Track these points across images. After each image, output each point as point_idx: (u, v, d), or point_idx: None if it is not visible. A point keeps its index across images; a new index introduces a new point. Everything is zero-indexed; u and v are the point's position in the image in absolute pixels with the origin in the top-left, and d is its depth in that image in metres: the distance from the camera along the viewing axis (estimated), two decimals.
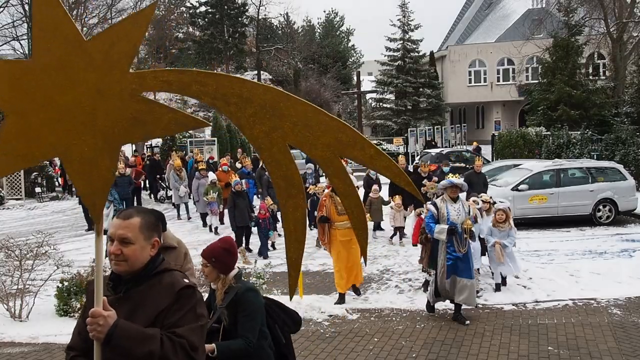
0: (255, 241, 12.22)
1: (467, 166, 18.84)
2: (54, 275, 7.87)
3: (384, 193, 13.39)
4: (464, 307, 7.50)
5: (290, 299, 2.72)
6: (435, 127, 35.51)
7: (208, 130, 33.03)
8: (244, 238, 12.00)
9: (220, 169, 15.72)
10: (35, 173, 22.32)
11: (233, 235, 13.57)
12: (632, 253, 11.08)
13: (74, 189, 21.74)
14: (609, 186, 14.26)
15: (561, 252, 11.30)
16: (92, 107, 2.19)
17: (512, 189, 13.96)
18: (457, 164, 21.24)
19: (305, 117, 2.26)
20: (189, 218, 16.21)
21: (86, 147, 2.22)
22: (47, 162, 23.18)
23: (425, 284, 8.71)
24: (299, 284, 8.39)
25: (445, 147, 32.04)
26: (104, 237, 2.60)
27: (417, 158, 25.23)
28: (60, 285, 7.75)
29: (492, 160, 23.35)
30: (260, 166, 15.78)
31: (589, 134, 22.54)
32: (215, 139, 26.50)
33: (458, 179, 7.69)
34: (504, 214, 8.67)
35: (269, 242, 11.91)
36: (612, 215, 14.17)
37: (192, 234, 14.39)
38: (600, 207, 14.18)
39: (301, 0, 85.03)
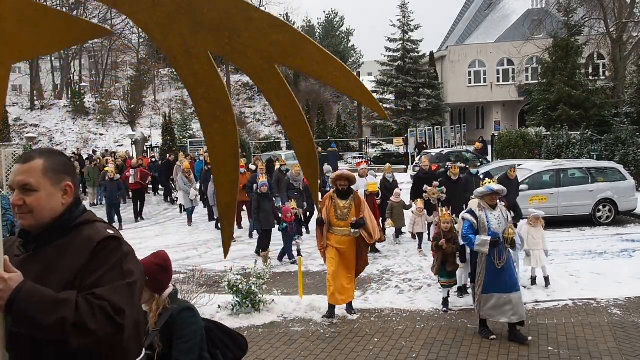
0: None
1: (468, 167, 18.77)
2: None
3: (405, 197, 12.70)
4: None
5: (225, 256, 2.23)
6: (435, 127, 35.53)
7: None
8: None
9: None
10: None
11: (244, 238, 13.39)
12: (632, 253, 11.09)
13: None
14: (608, 186, 14.27)
15: (561, 252, 11.30)
16: None
17: None
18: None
19: (228, 16, 1.77)
20: (190, 223, 15.54)
21: None
22: None
23: (445, 302, 8.02)
24: (299, 284, 8.40)
25: (445, 147, 32.06)
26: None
27: (417, 159, 25.25)
28: None
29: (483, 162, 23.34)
30: (278, 168, 14.96)
31: (588, 134, 22.56)
32: None
33: (498, 186, 6.93)
34: None
35: (294, 247, 11.19)
36: (612, 215, 14.17)
37: (192, 234, 14.41)
38: (600, 207, 14.18)
39: (301, 1, 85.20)
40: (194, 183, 15.54)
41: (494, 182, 7.09)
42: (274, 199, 12.85)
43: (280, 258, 11.16)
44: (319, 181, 9.33)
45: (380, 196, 12.12)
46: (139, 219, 16.85)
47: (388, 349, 6.57)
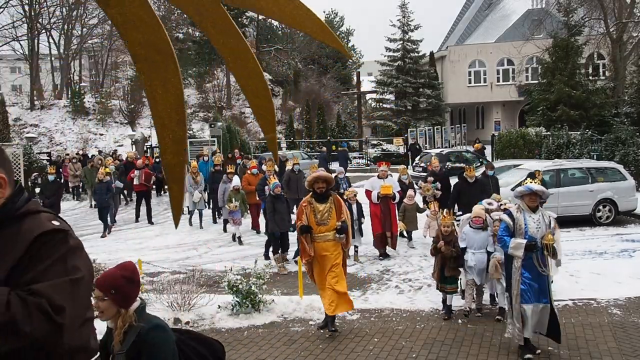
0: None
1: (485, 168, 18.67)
2: None
3: (418, 199, 12.37)
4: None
5: (176, 226, 2.01)
6: (435, 127, 35.53)
7: (207, 131, 33.03)
8: (273, 245, 11.19)
9: (249, 172, 14.48)
10: (35, 174, 22.32)
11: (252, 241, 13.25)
12: (632, 253, 11.09)
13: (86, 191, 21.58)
14: (609, 186, 14.27)
15: (561, 252, 11.29)
16: None
17: (512, 189, 13.93)
18: (457, 164, 21.23)
19: None
20: (201, 227, 14.97)
21: None
22: (47, 163, 23.19)
23: (448, 310, 7.71)
24: (299, 284, 8.40)
25: (445, 147, 32.06)
26: None
27: (417, 159, 25.24)
28: None
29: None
30: (290, 169, 14.54)
31: (588, 134, 22.55)
32: (215, 139, 26.51)
33: (538, 186, 6.39)
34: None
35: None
36: (612, 215, 14.17)
37: (192, 234, 14.38)
38: (600, 207, 14.18)
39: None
40: (201, 185, 15.04)
41: (537, 182, 6.55)
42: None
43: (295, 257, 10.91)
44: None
45: (397, 199, 11.48)
46: (149, 222, 16.15)
47: (388, 349, 6.57)
